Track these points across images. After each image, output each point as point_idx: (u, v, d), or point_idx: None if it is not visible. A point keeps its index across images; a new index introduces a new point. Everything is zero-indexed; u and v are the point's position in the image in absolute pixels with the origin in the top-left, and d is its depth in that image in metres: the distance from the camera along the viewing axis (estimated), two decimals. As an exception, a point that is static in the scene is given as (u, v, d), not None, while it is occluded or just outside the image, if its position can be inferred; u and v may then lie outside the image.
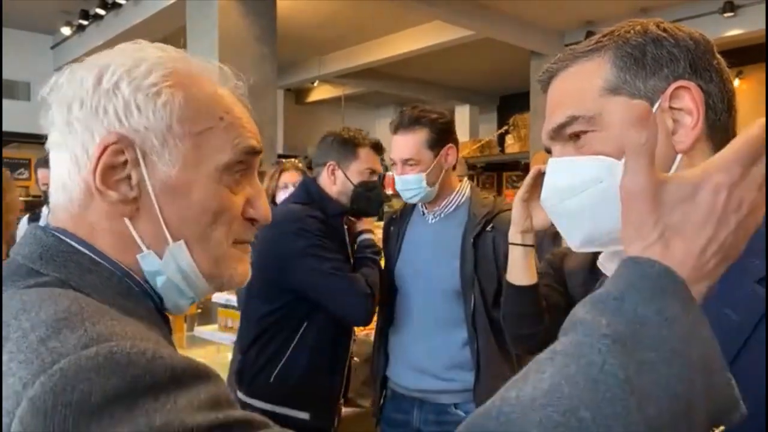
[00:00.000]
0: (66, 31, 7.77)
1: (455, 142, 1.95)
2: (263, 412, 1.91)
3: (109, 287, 0.62)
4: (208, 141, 0.66)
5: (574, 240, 0.77)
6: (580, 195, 0.74)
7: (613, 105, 0.72)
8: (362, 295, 1.86)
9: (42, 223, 0.69)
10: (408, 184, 1.90)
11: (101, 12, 7.03)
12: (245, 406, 1.95)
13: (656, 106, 0.71)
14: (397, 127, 1.90)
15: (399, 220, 2.09)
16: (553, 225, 1.55)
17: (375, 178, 2.08)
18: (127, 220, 0.64)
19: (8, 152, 8.27)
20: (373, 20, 7.52)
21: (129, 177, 0.63)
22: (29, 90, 8.39)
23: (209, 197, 0.66)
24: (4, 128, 7.48)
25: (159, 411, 0.46)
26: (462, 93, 11.13)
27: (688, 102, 0.71)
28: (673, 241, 0.49)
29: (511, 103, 10.68)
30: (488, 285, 1.87)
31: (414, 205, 2.05)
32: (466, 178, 2.12)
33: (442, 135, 1.90)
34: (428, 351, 1.93)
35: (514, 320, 1.54)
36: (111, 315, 0.54)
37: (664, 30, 0.74)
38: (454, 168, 1.98)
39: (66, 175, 0.64)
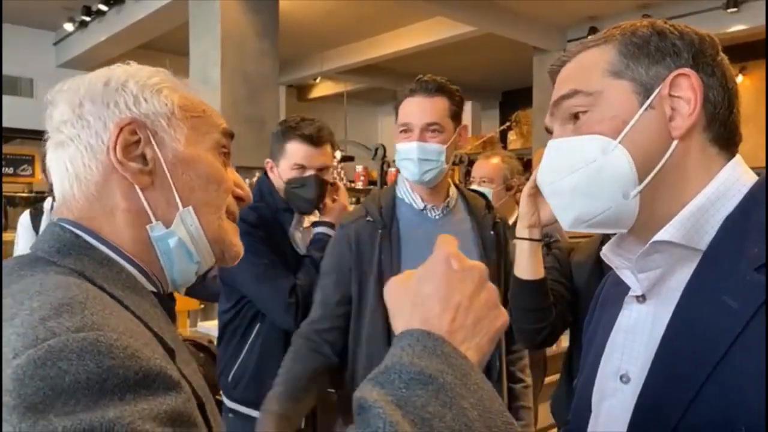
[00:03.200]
0: (68, 27, 7.78)
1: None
2: (228, 409, 1.91)
3: (119, 281, 0.67)
4: (201, 124, 0.77)
5: (565, 219, 0.80)
6: (573, 174, 0.76)
7: (613, 87, 0.75)
8: (284, 304, 1.80)
9: (46, 215, 0.73)
10: (429, 153, 1.64)
11: (103, 8, 7.03)
12: (219, 403, 1.95)
13: (656, 92, 0.73)
14: (416, 91, 1.67)
15: (379, 223, 1.68)
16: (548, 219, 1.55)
17: (308, 173, 1.90)
18: (140, 192, 0.71)
19: (11, 149, 8.28)
20: (375, 16, 7.51)
21: (143, 155, 0.72)
22: (32, 86, 8.39)
23: (212, 168, 0.77)
24: (7, 125, 7.50)
25: (116, 407, 0.49)
26: (464, 89, 10.90)
27: (686, 90, 0.73)
28: (422, 310, 0.57)
29: (514, 99, 10.67)
30: (507, 279, 1.72)
31: (394, 204, 1.72)
32: None
33: (460, 110, 1.74)
34: None
35: (520, 315, 1.54)
36: (113, 309, 0.58)
37: (672, 26, 0.76)
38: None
39: (81, 166, 0.71)
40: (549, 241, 2.57)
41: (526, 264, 1.49)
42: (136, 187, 0.71)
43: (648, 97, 0.73)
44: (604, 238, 1.65)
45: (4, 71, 7.62)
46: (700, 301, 0.69)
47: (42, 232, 0.71)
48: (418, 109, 1.66)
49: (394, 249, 1.63)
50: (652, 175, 0.73)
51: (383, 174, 5.88)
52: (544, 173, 0.81)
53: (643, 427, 0.71)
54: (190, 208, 0.74)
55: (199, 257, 0.76)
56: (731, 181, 0.74)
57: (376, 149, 5.84)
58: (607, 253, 0.82)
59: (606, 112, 0.74)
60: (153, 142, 0.72)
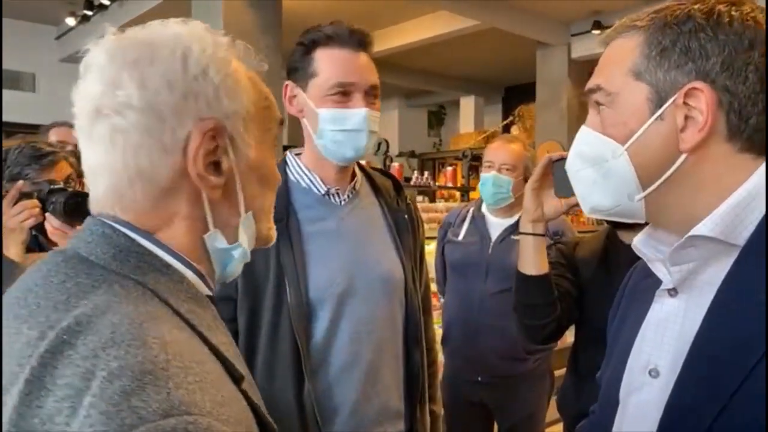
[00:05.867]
0: (70, 21, 7.75)
1: None
2: None
3: (182, 291, 0.62)
4: (266, 118, 0.70)
5: (585, 206, 0.84)
6: (592, 168, 0.79)
7: (630, 90, 0.74)
8: None
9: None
10: (374, 123, 1.33)
11: (105, 2, 7.01)
12: None
13: (668, 103, 0.71)
14: (345, 41, 1.31)
15: None
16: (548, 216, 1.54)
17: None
18: (206, 201, 0.64)
19: (13, 144, 8.28)
20: (376, 11, 7.48)
21: (217, 164, 0.64)
22: (34, 81, 8.38)
23: (271, 171, 0.71)
24: (9, 119, 7.49)
25: None
26: (467, 84, 11.07)
27: (702, 103, 0.70)
28: None
29: (517, 94, 10.63)
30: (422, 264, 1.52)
31: (287, 190, 1.36)
32: None
33: None
34: (391, 376, 1.38)
35: (525, 311, 1.53)
36: (194, 370, 0.52)
37: (714, 18, 0.70)
38: None
39: (147, 163, 0.61)
40: (558, 239, 2.52)
41: (531, 259, 1.48)
42: (204, 195, 0.64)
43: (660, 106, 0.71)
44: (610, 234, 1.65)
45: (6, 66, 7.60)
46: (738, 300, 0.67)
47: (89, 232, 0.62)
48: (359, 66, 1.30)
49: (296, 248, 1.29)
50: (656, 185, 0.73)
51: (386, 169, 5.87)
52: (572, 158, 0.83)
53: (675, 427, 0.69)
54: (251, 213, 0.68)
55: (248, 257, 0.72)
56: None
57: (379, 144, 5.83)
58: (638, 244, 0.81)
59: (618, 115, 0.75)
60: (230, 151, 0.64)
